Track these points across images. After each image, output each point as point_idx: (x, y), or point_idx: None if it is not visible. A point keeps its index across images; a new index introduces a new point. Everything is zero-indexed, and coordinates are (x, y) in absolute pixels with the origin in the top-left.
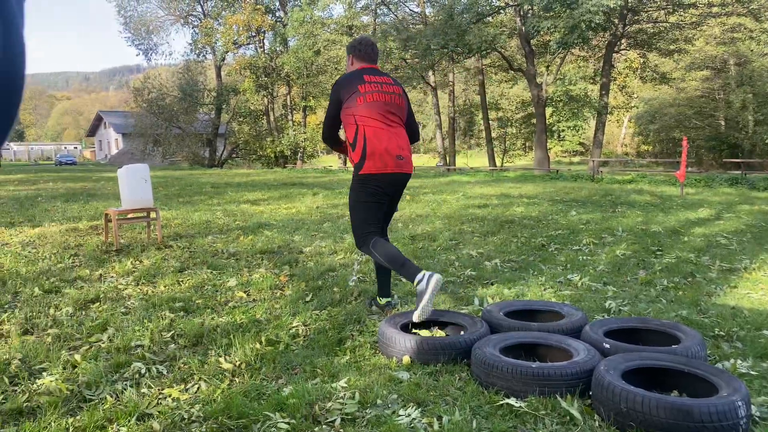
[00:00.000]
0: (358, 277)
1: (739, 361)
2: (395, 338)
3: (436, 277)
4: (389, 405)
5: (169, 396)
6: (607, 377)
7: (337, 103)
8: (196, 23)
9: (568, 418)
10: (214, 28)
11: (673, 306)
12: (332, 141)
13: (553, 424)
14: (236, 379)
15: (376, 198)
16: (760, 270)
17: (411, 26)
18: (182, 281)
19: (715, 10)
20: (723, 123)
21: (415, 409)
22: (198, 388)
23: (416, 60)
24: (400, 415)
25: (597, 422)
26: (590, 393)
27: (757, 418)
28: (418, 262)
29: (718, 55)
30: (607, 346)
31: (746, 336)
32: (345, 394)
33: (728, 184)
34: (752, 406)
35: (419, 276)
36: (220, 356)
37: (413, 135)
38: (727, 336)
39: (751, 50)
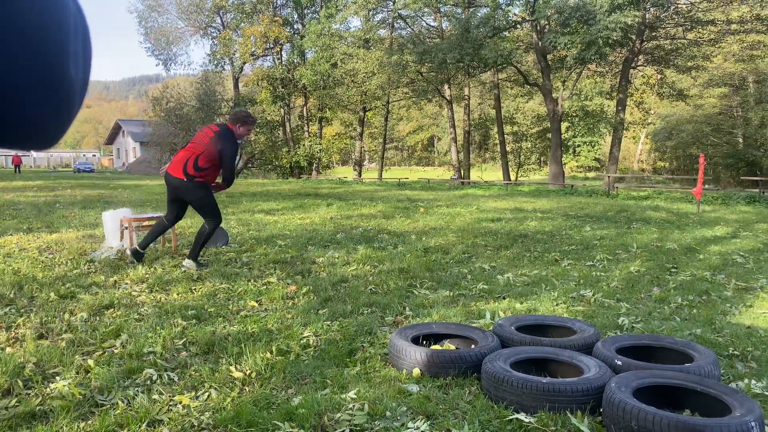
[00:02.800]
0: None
1: (753, 382)
2: (406, 350)
3: None
4: (398, 417)
5: (180, 403)
6: (619, 394)
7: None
8: (215, 34)
9: None
10: (232, 39)
11: (687, 324)
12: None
13: None
14: (246, 387)
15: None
16: None
17: (427, 40)
18: (195, 289)
19: (733, 27)
20: (741, 140)
21: (425, 422)
22: (208, 396)
23: (432, 73)
24: (409, 428)
25: None
26: (601, 410)
27: None
28: (430, 275)
29: (737, 72)
30: (619, 363)
31: (761, 356)
32: (354, 406)
33: (746, 202)
34: (766, 428)
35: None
36: (231, 365)
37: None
38: (742, 356)
39: None
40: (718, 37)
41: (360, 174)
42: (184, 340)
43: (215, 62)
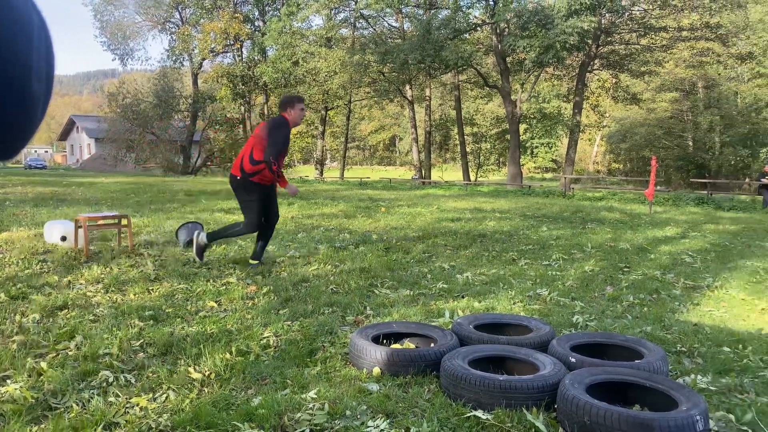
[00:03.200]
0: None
1: (699, 377)
2: (366, 350)
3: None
4: (358, 416)
5: (137, 405)
6: (572, 391)
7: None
8: (173, 30)
9: (533, 431)
10: (191, 35)
11: (638, 322)
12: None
13: None
14: (205, 389)
15: None
16: (722, 288)
17: (389, 40)
18: (152, 290)
19: (684, 34)
20: (691, 144)
21: (384, 421)
22: (166, 398)
23: (394, 74)
24: (368, 427)
25: None
26: (555, 406)
27: None
28: (391, 274)
29: (687, 78)
30: (573, 360)
31: (707, 352)
32: (314, 405)
33: (695, 204)
34: (710, 421)
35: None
36: (190, 366)
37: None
38: (689, 352)
39: (719, 74)
40: (670, 43)
41: (321, 173)
42: (141, 341)
43: (174, 58)
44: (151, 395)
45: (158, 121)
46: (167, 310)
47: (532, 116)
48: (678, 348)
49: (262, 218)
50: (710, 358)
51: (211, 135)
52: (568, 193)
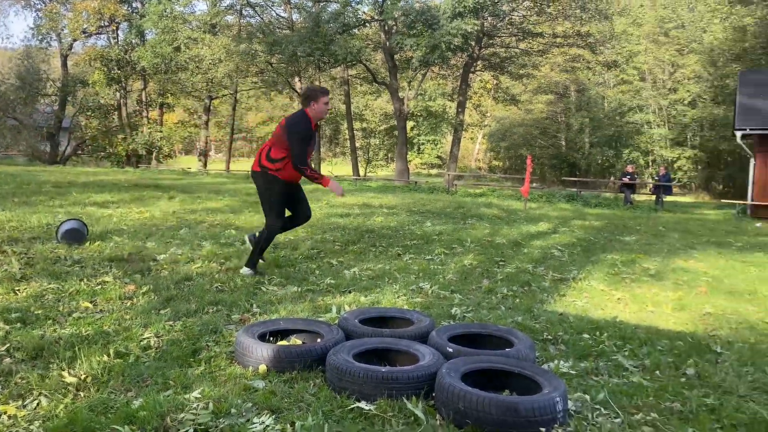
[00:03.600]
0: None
1: (561, 362)
2: (252, 348)
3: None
4: (243, 414)
5: (5, 413)
6: (448, 379)
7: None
8: (39, 6)
9: (412, 418)
10: (60, 13)
11: (511, 312)
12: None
13: (399, 424)
14: (81, 393)
15: None
16: (585, 280)
17: (278, 30)
18: (18, 290)
19: (558, 40)
20: (564, 143)
21: (270, 417)
22: (38, 404)
23: (283, 65)
24: (254, 423)
25: (438, 421)
26: (434, 394)
27: (572, 412)
28: (278, 271)
29: (561, 82)
30: (451, 350)
31: (569, 339)
32: (198, 405)
33: (565, 201)
34: (569, 402)
35: None
36: (63, 370)
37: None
38: (554, 339)
39: (588, 79)
40: (546, 48)
41: (205, 165)
42: (8, 345)
43: (39, 37)
44: (20, 402)
45: (21, 106)
46: (36, 312)
47: (418, 114)
48: (545, 336)
49: (284, 216)
50: (572, 344)
51: (82, 122)
52: (452, 190)
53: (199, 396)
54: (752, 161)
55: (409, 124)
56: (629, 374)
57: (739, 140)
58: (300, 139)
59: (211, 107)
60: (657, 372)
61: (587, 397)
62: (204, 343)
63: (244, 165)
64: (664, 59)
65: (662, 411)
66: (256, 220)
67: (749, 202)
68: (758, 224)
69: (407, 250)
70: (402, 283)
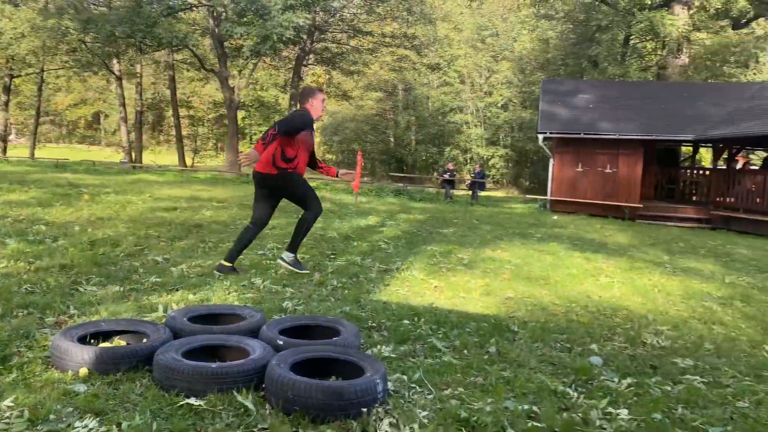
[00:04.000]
0: None
1: (383, 347)
2: (70, 351)
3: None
4: (64, 418)
5: None
6: (278, 370)
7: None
8: None
9: (243, 410)
10: None
11: (340, 303)
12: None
13: (229, 416)
14: None
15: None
16: (408, 270)
17: (92, 7)
18: None
19: (387, 40)
20: (392, 140)
21: (93, 420)
22: None
23: (98, 45)
24: (76, 428)
25: (268, 410)
26: (264, 386)
27: (391, 392)
28: (98, 270)
29: (390, 80)
30: (281, 342)
31: (391, 326)
32: (12, 414)
33: (393, 195)
34: (389, 383)
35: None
36: None
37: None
38: (378, 326)
39: (414, 79)
40: (375, 47)
41: (5, 151)
42: None
43: None
44: None
45: None
46: None
47: (250, 104)
48: (369, 324)
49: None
50: (393, 330)
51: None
52: None
53: (12, 404)
54: (551, 161)
55: (241, 113)
56: (442, 354)
57: (540, 142)
58: (302, 121)
59: (12, 86)
60: (465, 351)
61: (405, 377)
62: (15, 348)
63: (54, 152)
64: (481, 64)
65: (467, 385)
66: (68, 214)
67: (548, 197)
68: (555, 217)
69: None
70: (233, 279)
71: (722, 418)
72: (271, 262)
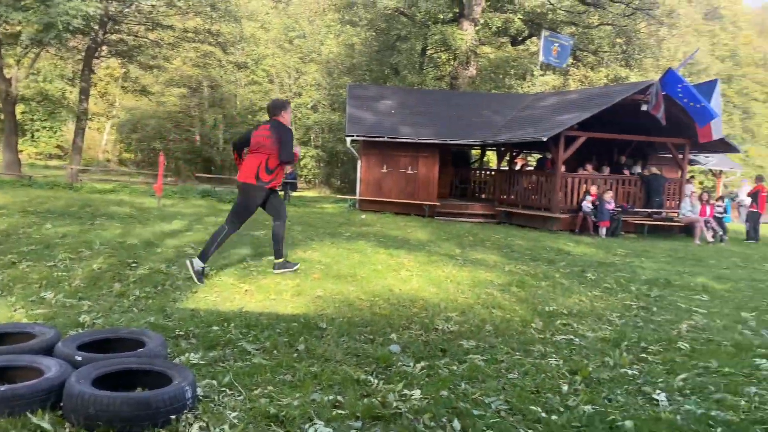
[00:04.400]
0: None
1: (192, 355)
2: None
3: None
4: None
5: None
6: (78, 386)
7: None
8: None
9: (39, 431)
10: None
11: (144, 314)
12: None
13: None
14: None
15: None
16: (217, 276)
17: None
18: None
19: (190, 35)
20: (199, 138)
21: None
22: None
23: None
24: None
25: (68, 429)
26: (62, 404)
27: (201, 397)
28: None
29: (195, 76)
30: (80, 358)
31: (200, 333)
32: None
33: (200, 197)
34: (198, 388)
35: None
36: None
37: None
38: (186, 335)
39: (221, 77)
40: (177, 42)
41: None
42: None
43: None
44: None
45: None
46: None
47: (31, 98)
48: (177, 333)
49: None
50: (202, 337)
51: None
52: (76, 185)
53: None
54: (359, 162)
55: (20, 108)
56: (252, 357)
57: (348, 144)
58: (292, 138)
59: None
60: (275, 351)
61: (215, 382)
62: None
63: None
64: (290, 65)
65: (277, 383)
66: None
67: (357, 197)
68: (363, 216)
69: (23, 256)
70: (20, 295)
71: (497, 389)
72: (64, 273)
